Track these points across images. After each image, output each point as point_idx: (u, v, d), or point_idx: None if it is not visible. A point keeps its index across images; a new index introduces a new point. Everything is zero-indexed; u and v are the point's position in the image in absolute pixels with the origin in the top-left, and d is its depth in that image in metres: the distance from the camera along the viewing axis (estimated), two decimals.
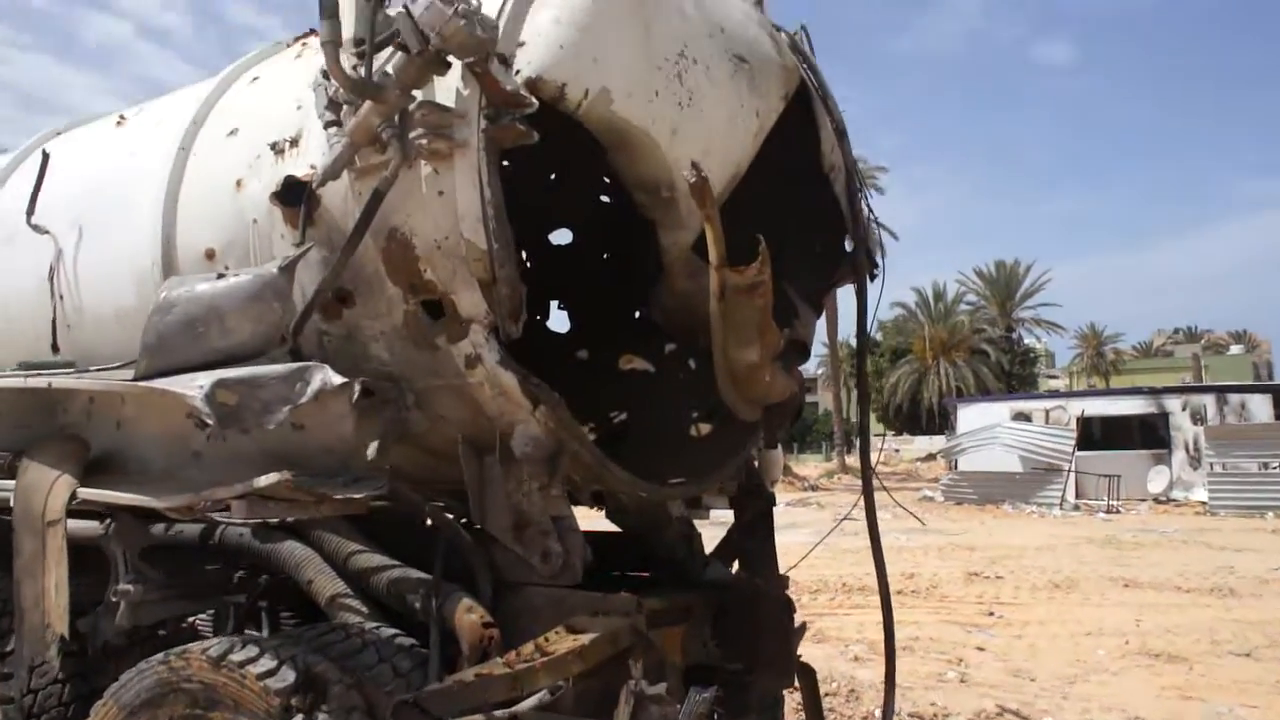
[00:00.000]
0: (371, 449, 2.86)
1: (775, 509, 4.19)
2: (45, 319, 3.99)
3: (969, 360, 58.35)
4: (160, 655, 2.81)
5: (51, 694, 3.33)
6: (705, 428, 4.24)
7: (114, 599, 3.04)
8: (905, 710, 6.16)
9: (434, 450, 3.32)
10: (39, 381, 3.33)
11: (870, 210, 4.02)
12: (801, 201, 3.98)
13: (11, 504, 3.29)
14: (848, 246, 4.05)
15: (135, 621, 3.06)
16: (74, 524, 3.42)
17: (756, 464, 4.27)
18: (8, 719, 3.25)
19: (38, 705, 3.29)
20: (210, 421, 2.53)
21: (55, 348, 3.91)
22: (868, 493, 3.90)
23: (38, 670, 3.23)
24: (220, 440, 3.12)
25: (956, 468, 26.86)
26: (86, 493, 3.12)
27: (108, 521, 3.22)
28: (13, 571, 3.18)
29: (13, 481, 3.38)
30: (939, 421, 53.46)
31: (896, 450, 49.56)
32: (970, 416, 28.09)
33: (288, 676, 2.62)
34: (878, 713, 6.00)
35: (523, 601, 3.16)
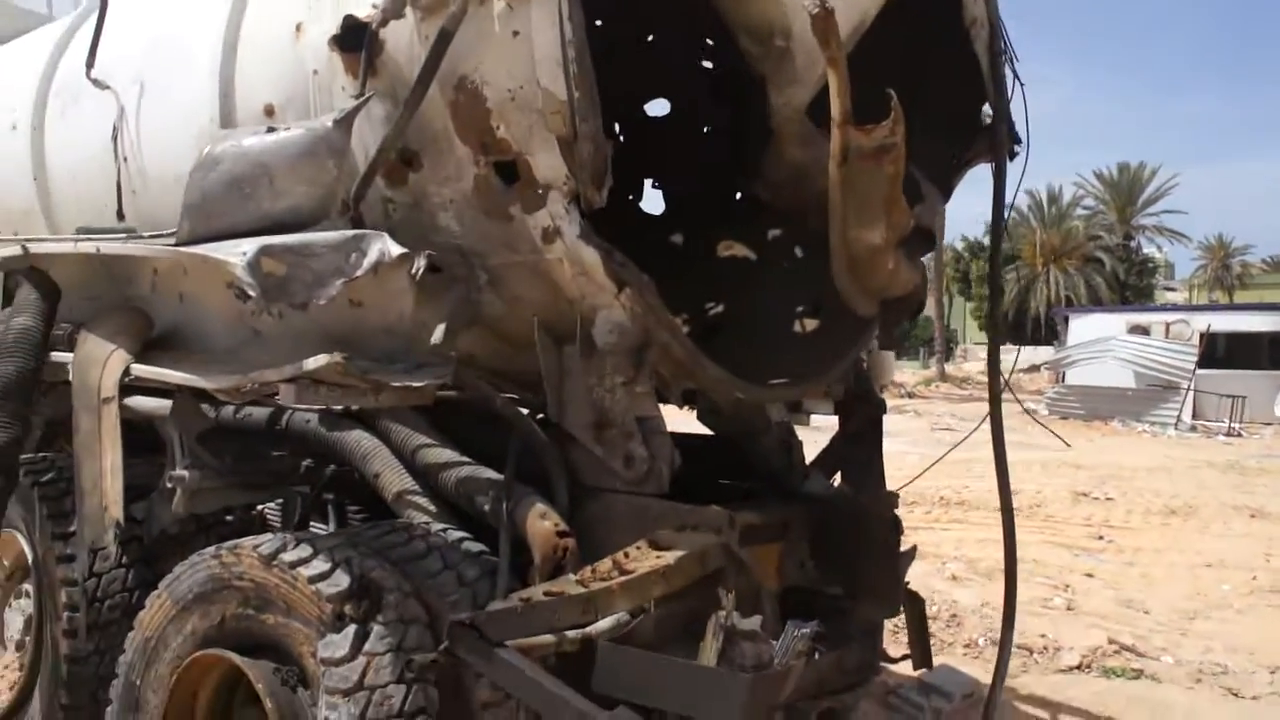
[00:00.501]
0: (437, 332, 2.52)
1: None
2: (110, 184, 3.74)
3: (1081, 268, 55.51)
4: (212, 549, 2.59)
5: (115, 579, 3.20)
6: (811, 323, 3.80)
7: (169, 485, 2.82)
8: (994, 638, 5.76)
9: (508, 337, 2.97)
10: (88, 247, 3.09)
11: (1016, 76, 3.42)
12: (934, 62, 3.39)
13: (70, 378, 3.10)
14: (986, 118, 3.47)
15: (191, 510, 2.86)
16: (145, 402, 3.22)
17: (866, 366, 3.82)
18: (72, 602, 3.13)
19: (101, 590, 3.16)
20: (254, 293, 2.22)
21: (120, 214, 3.67)
22: (995, 406, 3.42)
23: (100, 554, 3.09)
24: (277, 318, 2.84)
25: (1064, 380, 25.65)
26: (139, 369, 2.89)
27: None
28: (73, 446, 3.01)
29: (70, 355, 3.19)
30: (1045, 332, 51.35)
31: None
32: (1082, 327, 26.64)
33: (341, 581, 2.36)
34: (980, 640, 5.62)
35: (601, 510, 2.84)
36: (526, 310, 2.82)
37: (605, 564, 2.44)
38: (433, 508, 3.07)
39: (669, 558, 2.44)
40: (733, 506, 2.78)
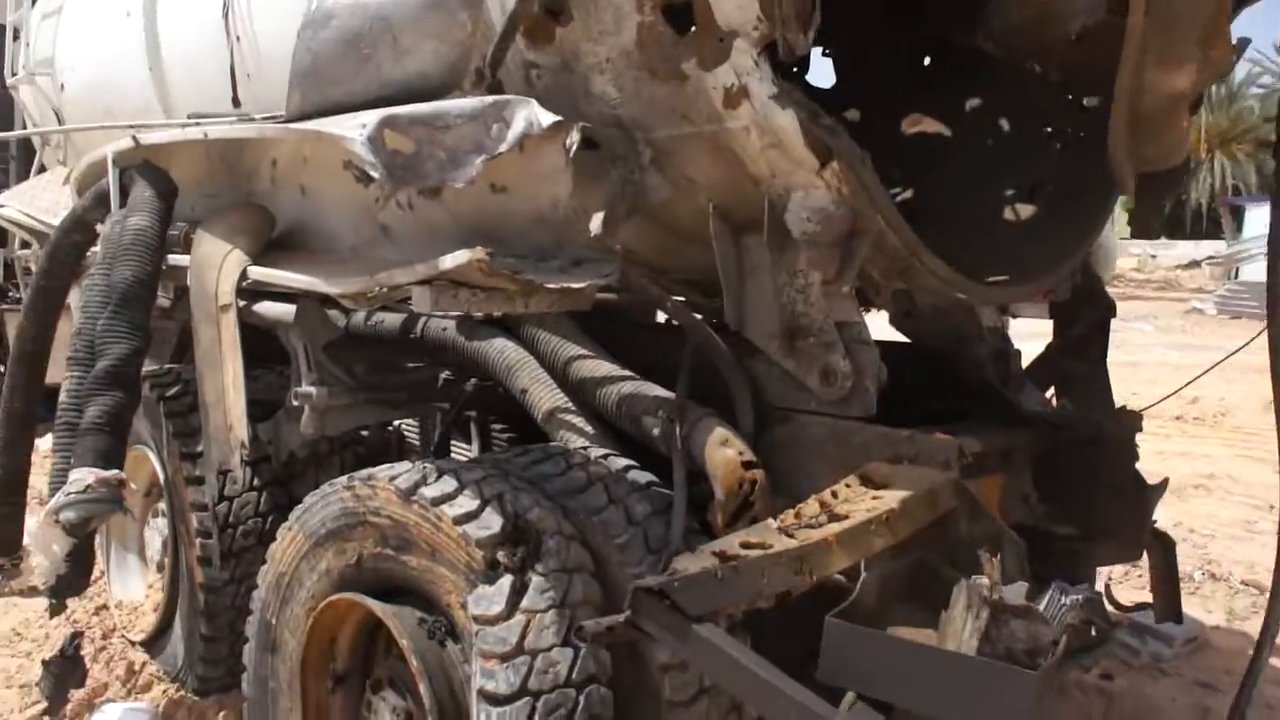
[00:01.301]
0: (595, 221, 2.05)
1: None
2: (224, 69, 3.37)
3: (1254, 154, 50.57)
4: (345, 479, 2.23)
5: (246, 503, 2.94)
6: (1025, 209, 3.16)
7: (295, 403, 2.48)
8: (1213, 569, 5.07)
9: (674, 227, 2.48)
10: (194, 131, 2.73)
11: None
12: None
13: (189, 282, 2.78)
14: None
15: (320, 431, 2.53)
16: (271, 308, 2.90)
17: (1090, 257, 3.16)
18: (204, 528, 2.89)
19: (232, 515, 2.90)
20: (376, 174, 1.78)
21: (235, 100, 3.30)
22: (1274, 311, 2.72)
23: (228, 476, 2.81)
24: (406, 208, 2.43)
25: (1237, 276, 23.49)
26: (257, 272, 2.54)
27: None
28: (195, 363, 2.71)
29: (187, 258, 2.87)
30: (1206, 225, 47.36)
31: (1153, 256, 44.52)
32: (1261, 218, 24.21)
33: (492, 523, 1.97)
34: (1195, 573, 4.95)
35: (791, 435, 2.37)
36: (700, 194, 2.31)
37: (811, 506, 1.96)
38: (589, 429, 2.67)
39: (890, 499, 1.94)
40: (950, 431, 2.26)
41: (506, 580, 1.92)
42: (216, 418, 2.61)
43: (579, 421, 2.69)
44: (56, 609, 2.68)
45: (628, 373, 2.58)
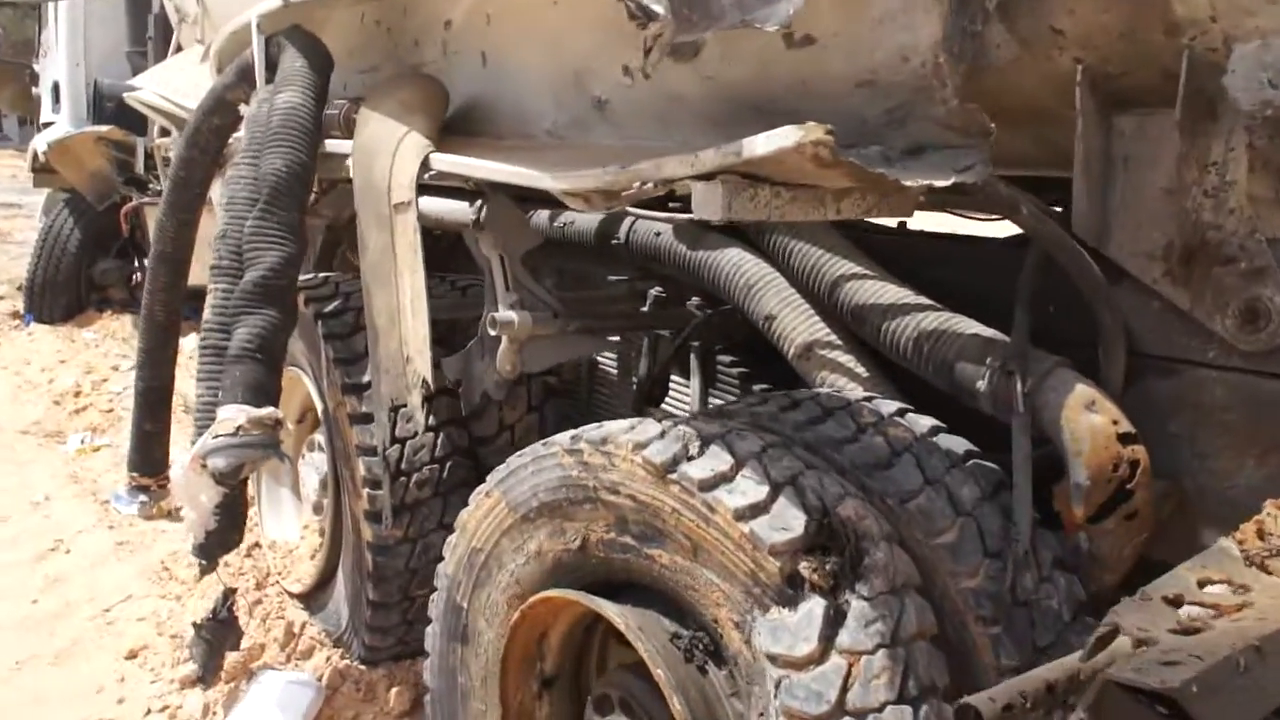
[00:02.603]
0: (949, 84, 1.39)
1: None
2: None
3: None
4: (567, 438, 1.70)
5: (421, 445, 2.46)
6: None
7: (491, 331, 1.95)
8: None
9: (1010, 101, 1.79)
10: None
11: None
12: None
13: (351, 174, 2.26)
14: None
15: (518, 368, 2.01)
16: (441, 207, 2.36)
17: None
18: (372, 476, 2.43)
19: (405, 460, 2.43)
20: (659, 7, 1.17)
21: None
22: None
23: (401, 413, 2.33)
24: (638, 79, 1.83)
25: None
26: (443, 161, 1.99)
27: (478, 206, 2.08)
28: (361, 274, 2.21)
29: (349, 144, 2.35)
30: None
31: None
32: None
33: (790, 521, 1.41)
34: None
35: (1178, 395, 1.73)
36: (1065, 52, 1.61)
37: (1249, 528, 1.31)
38: (864, 371, 2.07)
39: None
40: None
41: (816, 605, 1.36)
42: (388, 345, 2.12)
43: (848, 361, 2.09)
44: (206, 570, 2.28)
45: (926, 300, 1.95)
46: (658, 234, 2.54)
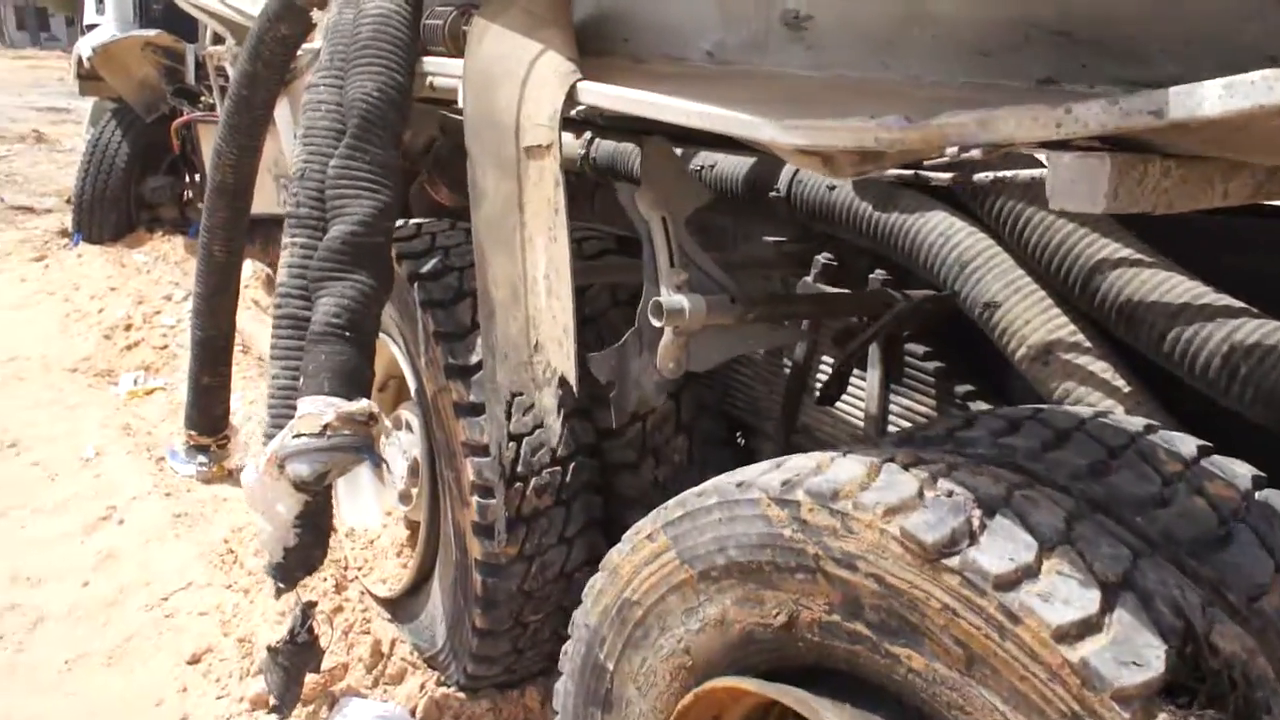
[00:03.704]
0: None
1: None
2: None
3: None
4: (774, 481, 1.30)
5: (540, 444, 2.06)
6: None
7: (656, 322, 1.53)
8: None
9: None
10: None
11: None
12: None
13: (460, 104, 1.83)
14: None
15: (683, 367, 1.58)
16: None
17: None
18: (483, 482, 2.04)
19: (522, 461, 2.04)
20: None
21: None
22: None
23: (517, 403, 1.93)
24: None
25: None
26: (602, 94, 1.54)
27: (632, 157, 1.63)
28: (471, 230, 1.79)
29: (456, 64, 1.92)
30: None
31: None
32: None
33: (1147, 653, 0.99)
34: None
35: None
36: None
37: None
38: (1124, 385, 1.64)
39: None
40: None
41: None
42: (507, 326, 1.72)
43: (1103, 371, 1.65)
44: (284, 591, 1.94)
45: (1237, 302, 1.48)
46: (832, 187, 2.08)
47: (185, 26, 6.20)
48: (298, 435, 1.73)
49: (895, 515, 1.18)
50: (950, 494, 1.19)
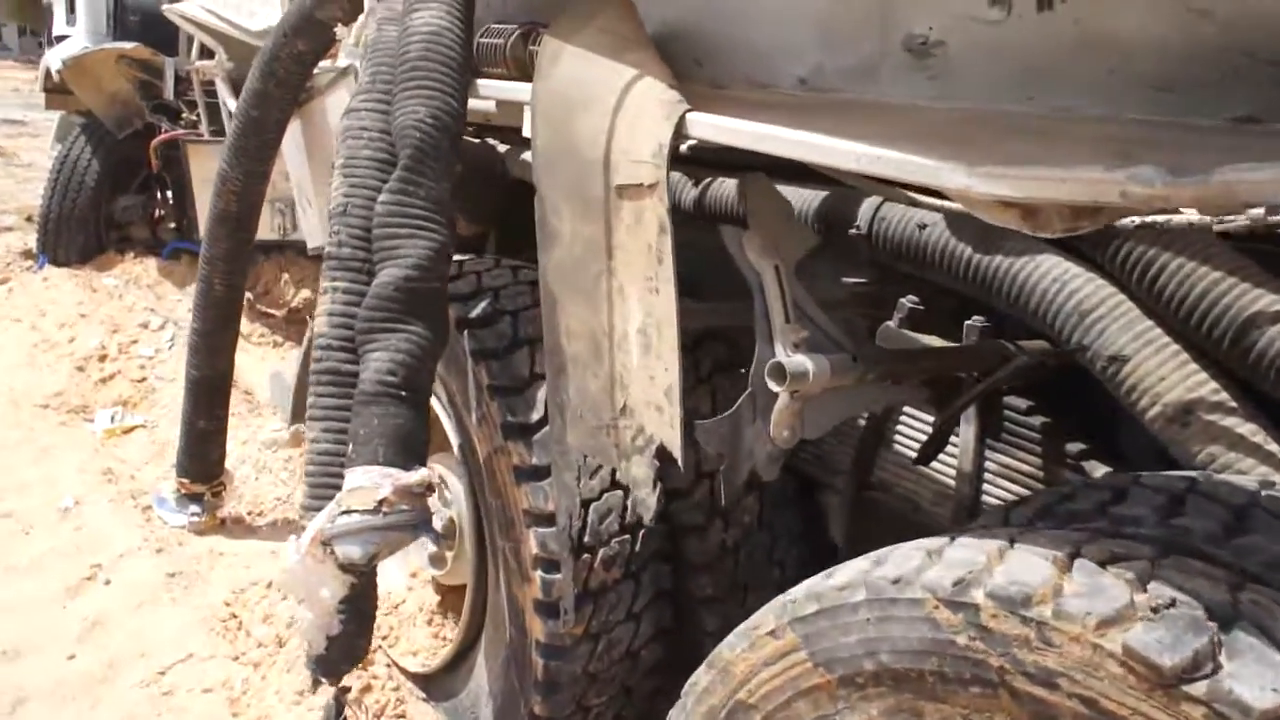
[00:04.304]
0: None
1: None
2: None
3: None
4: (945, 581, 1.14)
5: (608, 509, 1.88)
6: None
7: (775, 386, 1.36)
8: None
9: None
10: None
11: None
12: None
13: (528, 133, 1.67)
14: None
15: (798, 435, 1.42)
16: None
17: None
18: (548, 555, 1.85)
19: (590, 529, 1.86)
20: None
21: None
22: None
23: (584, 467, 1.75)
24: (1026, 12, 1.25)
25: None
26: (720, 129, 1.37)
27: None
28: (539, 275, 1.62)
29: (520, 88, 1.76)
30: None
31: None
32: None
33: None
34: None
35: None
36: None
37: None
38: (1278, 449, 1.50)
39: None
40: None
41: None
42: (589, 383, 1.56)
43: (1254, 435, 1.51)
44: (320, 686, 1.75)
45: None
46: (923, 226, 1.94)
47: (164, 39, 5.99)
48: (348, 511, 1.55)
49: (1112, 628, 1.02)
50: (1174, 603, 1.03)
